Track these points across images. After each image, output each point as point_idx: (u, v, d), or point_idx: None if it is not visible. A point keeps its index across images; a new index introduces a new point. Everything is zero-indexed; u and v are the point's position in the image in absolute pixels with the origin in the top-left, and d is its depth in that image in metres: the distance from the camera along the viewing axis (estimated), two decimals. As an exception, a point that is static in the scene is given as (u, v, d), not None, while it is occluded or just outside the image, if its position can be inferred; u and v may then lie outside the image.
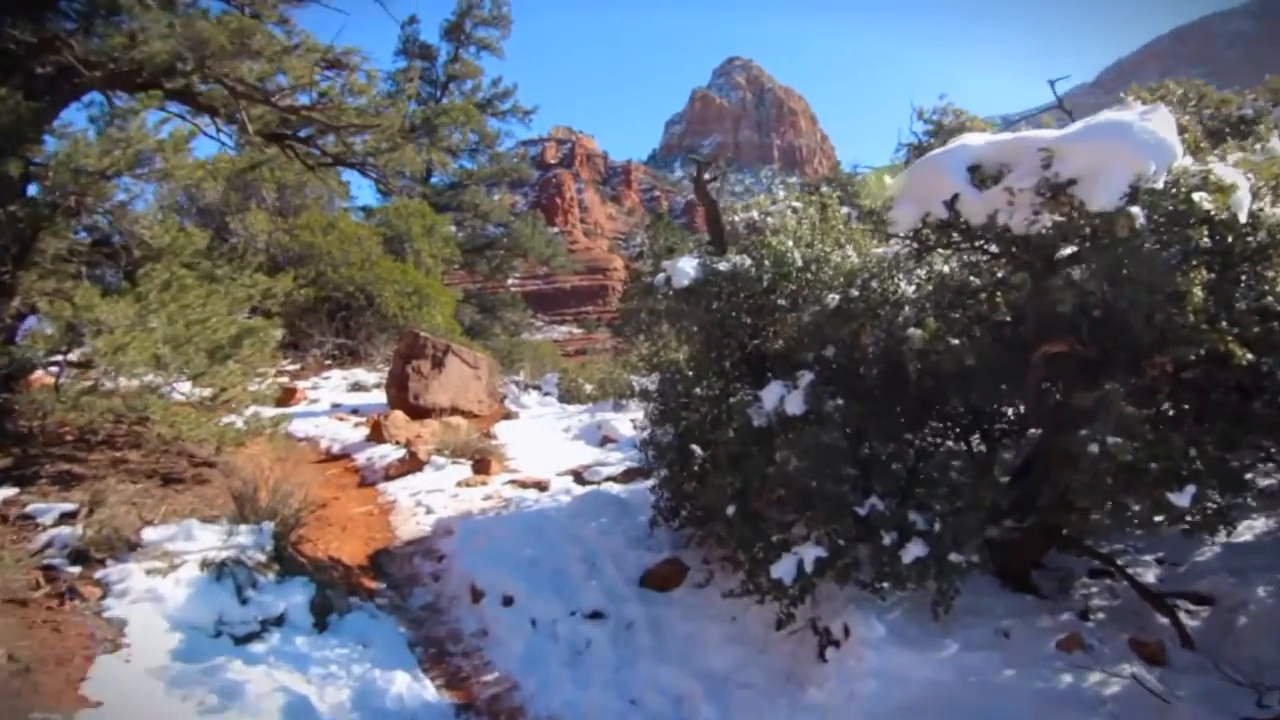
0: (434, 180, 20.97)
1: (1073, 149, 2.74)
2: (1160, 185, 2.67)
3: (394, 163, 6.59)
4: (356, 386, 12.21)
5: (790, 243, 3.79)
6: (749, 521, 3.22)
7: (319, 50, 5.71)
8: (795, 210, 4.63)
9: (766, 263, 3.77)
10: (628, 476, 6.57)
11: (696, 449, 4.01)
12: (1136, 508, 2.84)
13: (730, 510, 3.25)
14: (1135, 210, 2.58)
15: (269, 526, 3.90)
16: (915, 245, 3.21)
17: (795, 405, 3.13)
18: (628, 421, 8.53)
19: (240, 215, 14.64)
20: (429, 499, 6.05)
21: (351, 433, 8.50)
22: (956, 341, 2.93)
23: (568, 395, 11.26)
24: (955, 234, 3.09)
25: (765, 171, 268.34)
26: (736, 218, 5.11)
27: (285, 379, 12.80)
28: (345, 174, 19.48)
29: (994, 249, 3.06)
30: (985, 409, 3.45)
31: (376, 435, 7.89)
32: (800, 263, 3.72)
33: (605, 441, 8.18)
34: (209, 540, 3.72)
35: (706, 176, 4.94)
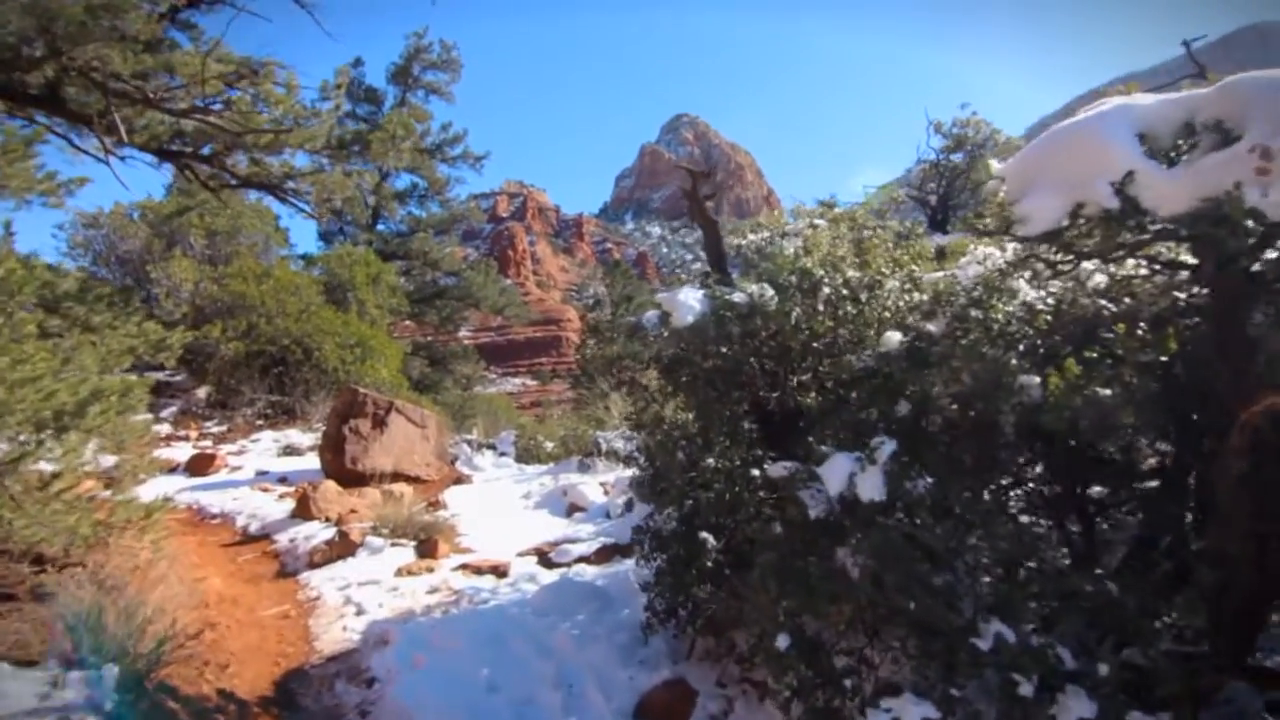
0: (380, 227, 19.98)
1: None
2: None
3: (321, 187, 5.62)
4: (289, 450, 10.94)
5: (819, 267, 2.97)
6: (810, 656, 2.29)
7: (229, 60, 4.79)
8: (815, 228, 3.79)
9: (797, 292, 2.91)
10: (603, 556, 5.56)
11: (708, 538, 3.06)
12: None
13: (783, 641, 2.32)
14: None
15: (111, 673, 2.77)
16: (1054, 253, 2.40)
17: (872, 487, 2.23)
18: (596, 486, 7.53)
19: (163, 263, 13.39)
20: (361, 594, 4.94)
21: (275, 507, 7.31)
22: (1107, 392, 2.11)
23: (526, 455, 10.21)
24: (1127, 231, 2.23)
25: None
26: (744, 240, 4.23)
27: (208, 443, 11.49)
28: (283, 219, 18.40)
29: (1187, 257, 2.28)
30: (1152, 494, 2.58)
31: (303, 510, 6.73)
32: (845, 290, 2.88)
33: (572, 510, 7.16)
34: (20, 698, 2.60)
35: (703, 192, 4.09)
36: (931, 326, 2.70)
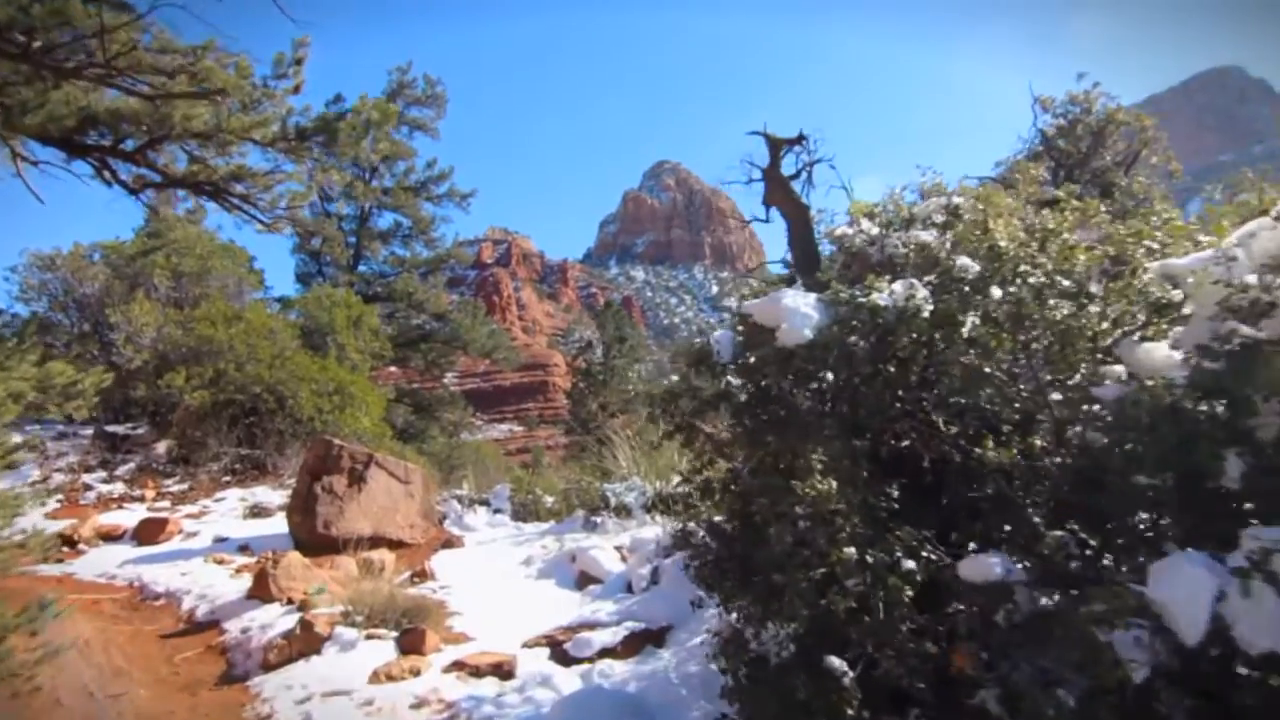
0: (362, 268, 19.01)
1: None
2: None
3: (275, 196, 4.64)
4: (256, 511, 9.75)
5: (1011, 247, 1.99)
6: None
7: (165, 44, 3.85)
8: (956, 212, 2.72)
9: (972, 290, 1.93)
10: (632, 646, 4.48)
11: (843, 670, 1.98)
12: None
13: None
14: None
15: None
16: None
17: (1268, 630, 1.25)
18: (610, 550, 6.43)
19: (123, 307, 12.31)
20: (326, 711, 3.82)
21: (230, 584, 6.16)
22: None
23: (524, 511, 9.10)
24: None
25: (698, 268, 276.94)
26: (848, 230, 3.14)
27: (165, 504, 10.29)
28: (259, 259, 17.40)
29: None
30: None
31: (261, 590, 5.60)
32: (1058, 281, 1.91)
33: (584, 581, 6.06)
34: None
35: (788, 172, 3.14)
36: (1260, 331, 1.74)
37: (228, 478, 11.93)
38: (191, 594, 6.07)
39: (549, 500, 9.23)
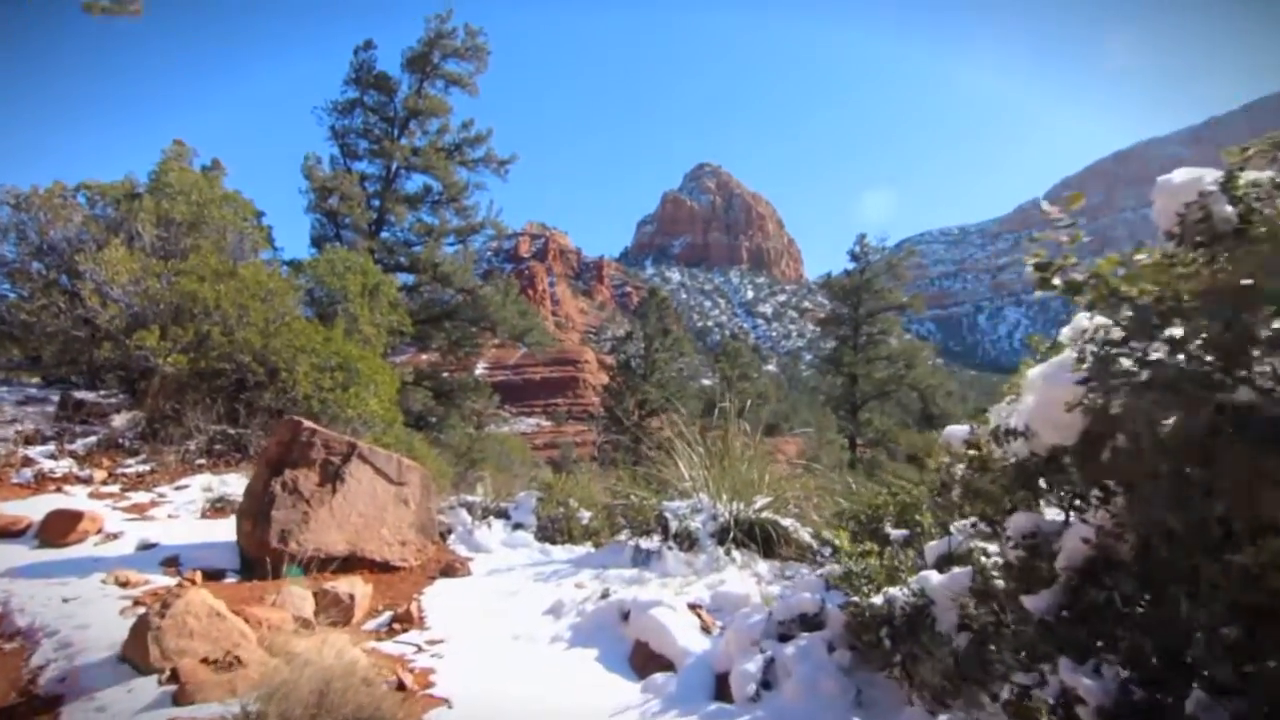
0: (385, 234, 17.06)
1: None
2: None
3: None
4: (219, 506, 7.77)
5: None
6: None
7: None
8: None
9: None
10: None
11: None
12: None
13: None
14: None
15: None
16: None
17: None
18: (683, 612, 4.23)
19: (94, 254, 10.46)
20: None
21: (113, 626, 4.10)
22: None
23: (552, 529, 6.97)
24: None
25: (734, 272, 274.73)
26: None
27: (115, 488, 8.35)
28: (267, 216, 15.58)
29: None
30: None
31: (137, 649, 3.52)
32: None
33: (645, 660, 3.90)
34: None
35: None
36: None
37: (203, 460, 10.00)
38: (56, 638, 4.03)
39: (585, 515, 7.11)
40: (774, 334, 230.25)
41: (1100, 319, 1.54)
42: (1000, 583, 2.18)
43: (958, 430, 2.27)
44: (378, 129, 16.80)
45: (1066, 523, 1.81)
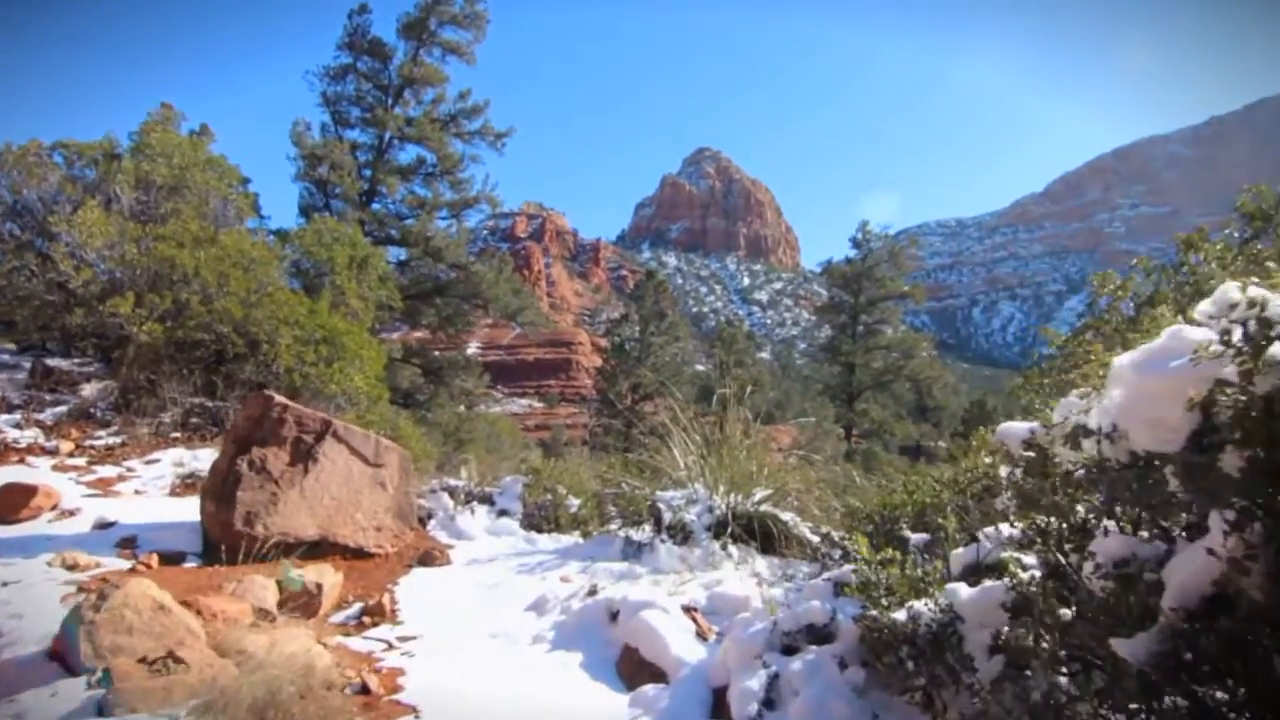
0: (376, 206, 16.56)
1: None
2: None
3: None
4: (190, 482, 7.40)
5: None
6: None
7: None
8: None
9: None
10: None
11: None
12: None
13: None
14: None
15: None
16: None
17: None
18: (676, 614, 3.89)
19: (68, 216, 9.99)
20: None
21: (51, 614, 3.73)
22: None
23: (538, 516, 6.62)
24: None
25: (731, 258, 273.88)
26: None
27: (81, 461, 7.95)
28: (254, 183, 15.08)
29: None
30: None
31: (68, 646, 3.16)
32: None
33: (634, 669, 3.56)
34: None
35: None
36: None
37: (177, 433, 9.60)
38: (-12, 626, 3.66)
39: (574, 503, 6.76)
40: (769, 321, 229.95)
41: (1259, 290, 1.18)
42: (1064, 610, 1.83)
43: (1015, 428, 1.91)
44: (371, 96, 16.24)
45: (1169, 549, 1.46)
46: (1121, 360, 1.60)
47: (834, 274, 29.22)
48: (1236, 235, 6.24)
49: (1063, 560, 1.85)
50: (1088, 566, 1.60)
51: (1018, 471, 1.99)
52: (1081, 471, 1.74)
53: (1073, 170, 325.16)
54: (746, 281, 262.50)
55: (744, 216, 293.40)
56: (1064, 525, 1.74)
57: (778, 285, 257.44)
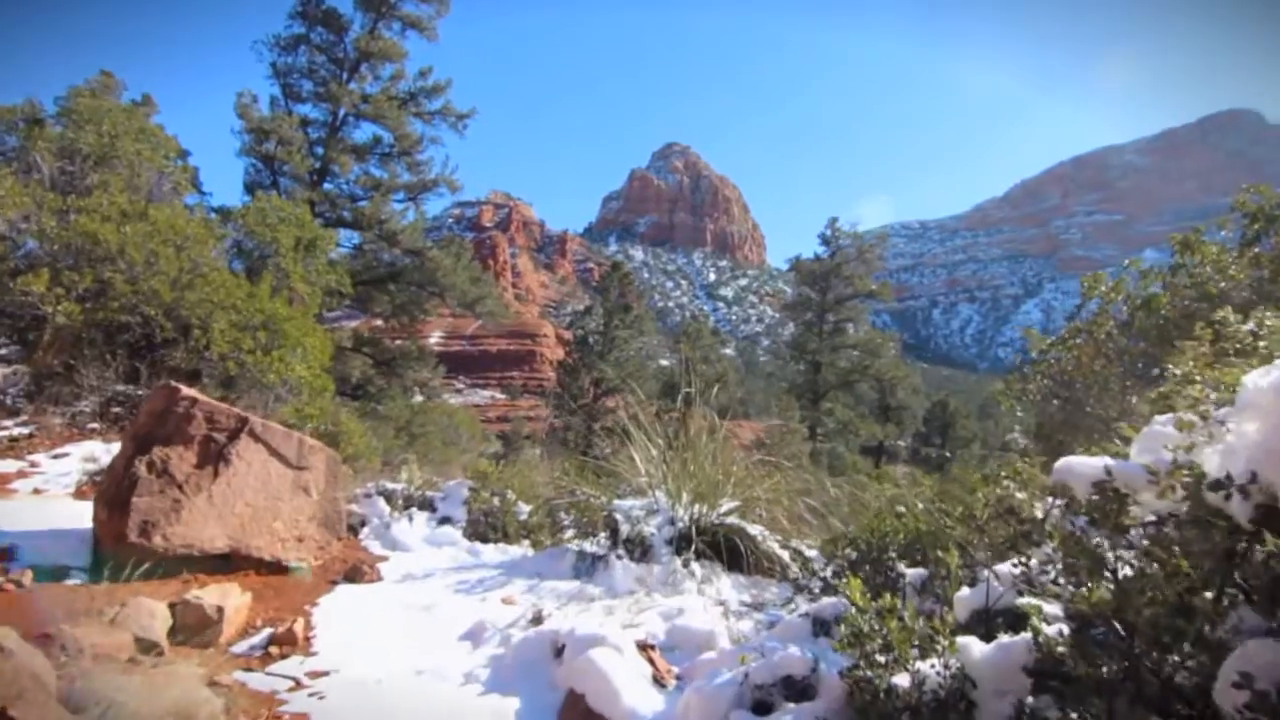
0: (328, 185, 15.72)
1: None
2: None
3: None
4: (100, 479, 6.67)
5: None
6: None
7: None
8: None
9: None
10: None
11: None
12: None
13: None
14: None
15: None
16: None
17: None
18: (630, 652, 3.38)
19: (-24, 182, 9.09)
20: None
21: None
22: None
23: (484, 524, 6.06)
24: None
25: (698, 254, 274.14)
26: None
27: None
28: (194, 156, 14.17)
29: None
30: None
31: None
32: None
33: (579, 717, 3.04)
34: None
35: None
36: None
37: (95, 424, 8.82)
38: None
39: (524, 510, 6.22)
40: (734, 318, 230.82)
41: None
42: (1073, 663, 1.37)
43: (1085, 466, 1.44)
44: (324, 70, 15.36)
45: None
46: (1257, 379, 1.12)
47: (802, 271, 29.00)
48: (1225, 236, 5.92)
49: (1160, 665, 1.38)
50: (1222, 682, 1.12)
51: (1079, 520, 1.51)
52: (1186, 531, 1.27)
53: (1032, 177, 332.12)
54: (713, 277, 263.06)
55: (711, 212, 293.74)
56: (1157, 605, 1.26)
57: (743, 281, 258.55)
